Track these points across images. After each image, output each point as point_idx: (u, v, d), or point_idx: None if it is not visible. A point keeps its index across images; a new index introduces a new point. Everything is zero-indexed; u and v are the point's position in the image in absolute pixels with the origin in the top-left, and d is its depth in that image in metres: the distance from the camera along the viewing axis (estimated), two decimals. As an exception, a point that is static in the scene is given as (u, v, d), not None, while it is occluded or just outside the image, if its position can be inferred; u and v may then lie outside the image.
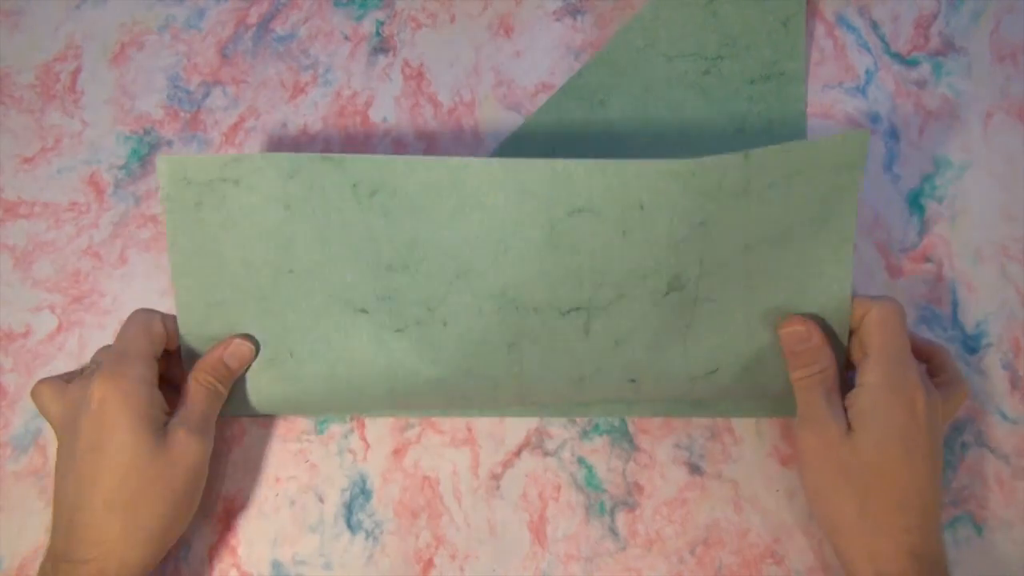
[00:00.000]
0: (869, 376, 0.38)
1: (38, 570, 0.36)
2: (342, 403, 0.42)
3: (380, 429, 0.43)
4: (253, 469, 0.43)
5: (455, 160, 0.37)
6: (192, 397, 0.39)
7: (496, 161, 0.37)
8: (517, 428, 0.43)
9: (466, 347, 0.39)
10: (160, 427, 0.37)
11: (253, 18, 0.49)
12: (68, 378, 0.40)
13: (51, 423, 0.39)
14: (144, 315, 0.40)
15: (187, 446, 0.37)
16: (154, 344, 0.39)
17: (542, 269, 0.38)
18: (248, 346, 0.40)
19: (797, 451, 0.39)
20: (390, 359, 0.40)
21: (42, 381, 0.39)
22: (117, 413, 0.36)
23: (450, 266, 0.39)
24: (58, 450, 0.38)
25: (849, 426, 0.37)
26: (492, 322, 0.39)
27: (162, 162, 0.38)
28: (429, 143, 0.47)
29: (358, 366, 0.40)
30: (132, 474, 0.36)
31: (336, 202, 0.39)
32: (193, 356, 0.40)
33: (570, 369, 0.40)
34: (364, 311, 0.40)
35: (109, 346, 0.40)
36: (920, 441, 0.36)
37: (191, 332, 0.40)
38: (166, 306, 0.44)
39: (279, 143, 0.47)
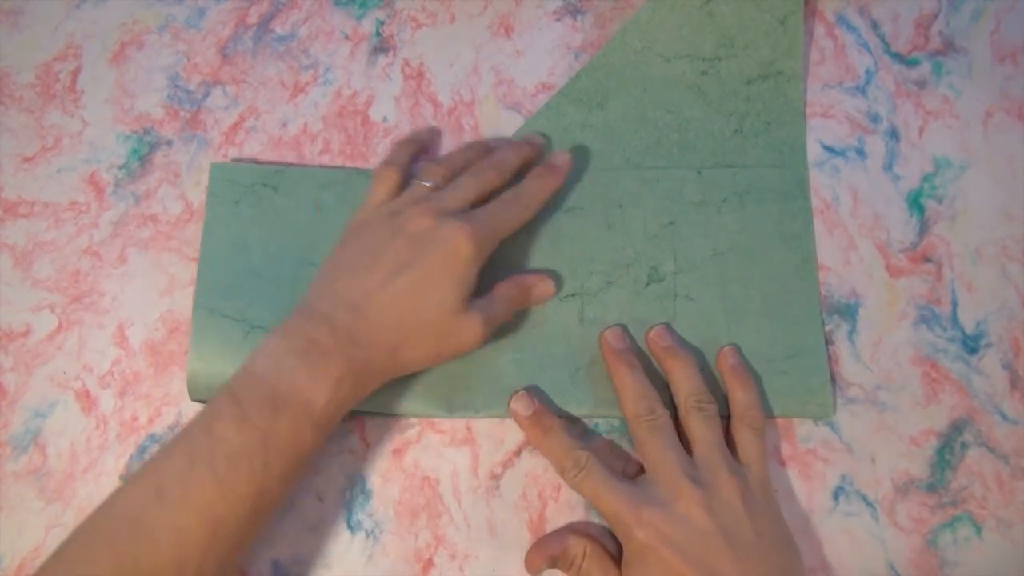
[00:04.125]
0: None
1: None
2: None
3: (380, 429, 0.43)
4: (253, 469, 0.43)
5: None
6: (498, 297, 0.41)
7: None
8: (517, 428, 0.43)
9: None
10: (469, 299, 0.39)
11: (253, 18, 0.49)
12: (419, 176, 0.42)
13: (371, 201, 0.42)
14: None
15: (474, 329, 0.39)
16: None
17: (543, 258, 0.44)
18: (552, 289, 0.43)
19: None
20: None
21: (391, 168, 0.43)
22: (459, 265, 0.39)
23: None
24: (358, 226, 0.41)
25: None
26: None
27: (213, 168, 0.45)
28: (429, 143, 0.47)
29: None
30: (435, 314, 0.38)
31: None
32: (203, 329, 0.42)
33: (567, 359, 0.42)
34: None
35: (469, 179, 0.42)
36: (672, 568, 0.36)
37: (204, 306, 0.42)
38: (166, 305, 0.45)
39: (279, 143, 0.47)
